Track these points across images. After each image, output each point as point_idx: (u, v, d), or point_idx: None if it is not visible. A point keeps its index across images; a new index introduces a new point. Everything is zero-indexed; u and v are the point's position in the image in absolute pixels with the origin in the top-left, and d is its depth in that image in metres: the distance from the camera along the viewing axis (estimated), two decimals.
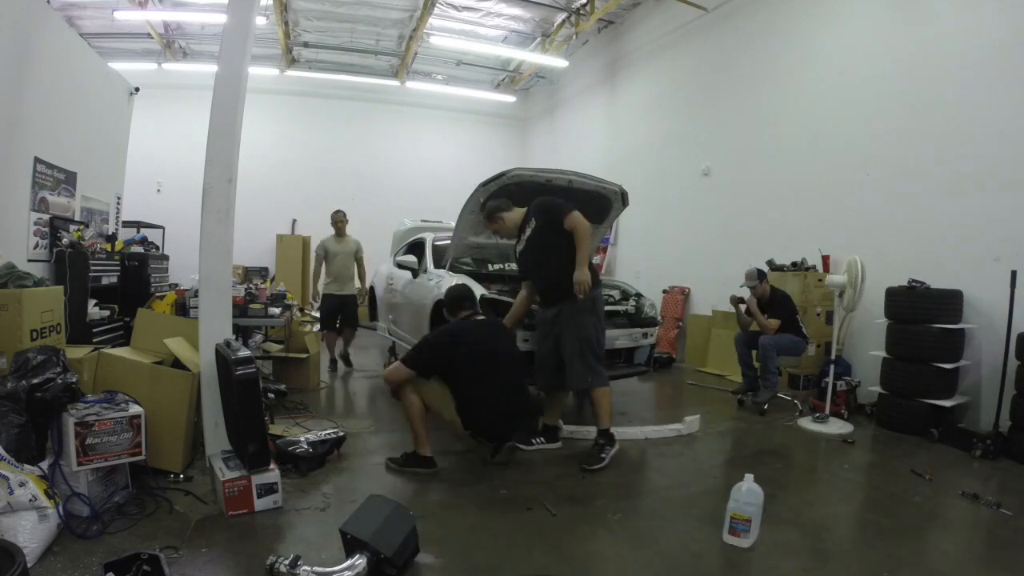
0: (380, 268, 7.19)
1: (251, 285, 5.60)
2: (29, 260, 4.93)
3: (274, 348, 5.81)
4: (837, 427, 4.61)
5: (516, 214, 3.97)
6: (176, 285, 6.20)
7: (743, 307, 5.42)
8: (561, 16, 9.25)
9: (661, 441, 4.27)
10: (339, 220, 6.47)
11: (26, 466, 2.39)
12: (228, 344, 2.95)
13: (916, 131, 5.11)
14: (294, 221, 11.80)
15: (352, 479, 3.35)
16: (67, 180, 5.78)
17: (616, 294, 5.05)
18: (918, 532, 2.92)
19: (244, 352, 2.82)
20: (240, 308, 4.51)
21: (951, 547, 2.78)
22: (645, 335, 4.69)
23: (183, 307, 4.46)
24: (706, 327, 7.27)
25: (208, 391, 3.17)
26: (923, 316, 4.49)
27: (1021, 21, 4.38)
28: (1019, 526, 2.92)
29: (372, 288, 7.39)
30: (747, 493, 2.58)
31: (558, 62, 10.08)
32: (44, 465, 2.52)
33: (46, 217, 5.33)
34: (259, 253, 11.04)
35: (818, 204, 6.03)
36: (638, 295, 5.01)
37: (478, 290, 4.29)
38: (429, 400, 3.41)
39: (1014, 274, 4.17)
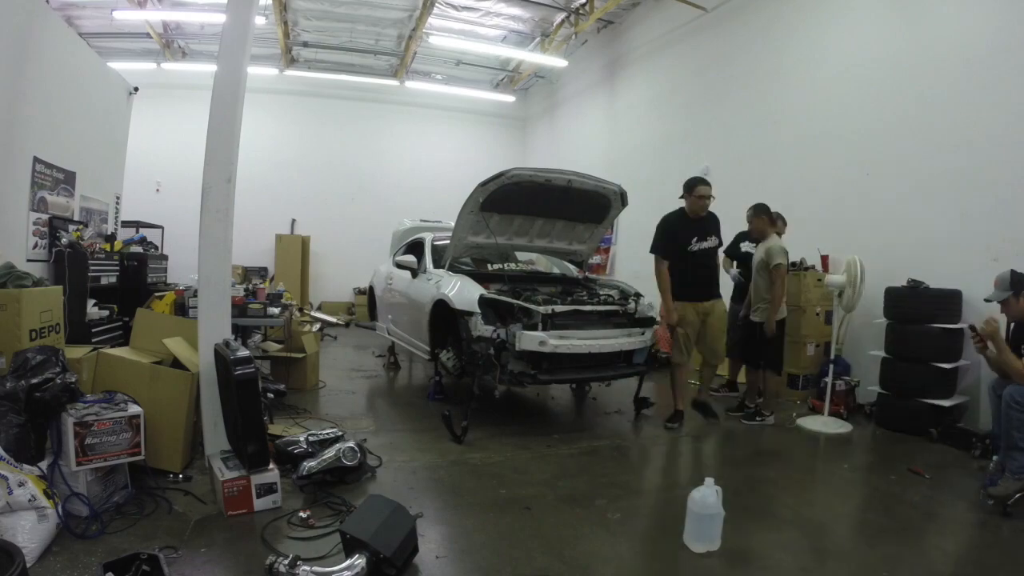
0: (380, 268, 7.18)
1: (250, 285, 5.60)
2: (28, 260, 4.92)
3: (273, 348, 5.81)
4: (836, 427, 4.62)
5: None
6: (175, 285, 6.19)
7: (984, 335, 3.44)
8: (560, 16, 9.25)
9: (661, 440, 4.27)
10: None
11: (25, 466, 2.38)
12: (227, 344, 2.95)
13: (915, 131, 5.12)
14: (293, 221, 11.80)
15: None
16: (66, 180, 5.78)
17: (615, 294, 5.05)
18: (918, 532, 2.92)
19: (243, 352, 2.82)
20: (239, 308, 4.51)
21: (950, 546, 2.78)
22: (643, 334, 4.69)
23: (182, 307, 4.46)
24: None
25: (207, 391, 3.16)
26: (922, 316, 4.49)
27: (1020, 21, 4.39)
28: (1016, 525, 2.93)
29: (371, 288, 7.39)
30: (703, 498, 2.55)
31: (557, 62, 10.08)
32: (43, 465, 2.52)
33: (45, 217, 5.32)
34: (258, 253, 11.05)
35: (817, 204, 6.03)
36: (637, 295, 5.00)
37: (477, 290, 4.29)
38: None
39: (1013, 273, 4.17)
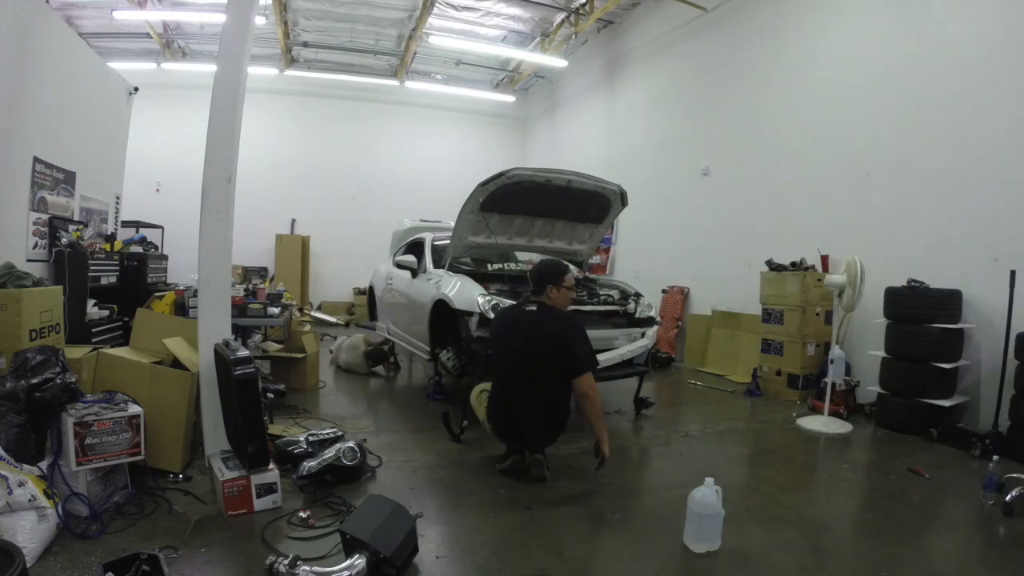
0: (379, 268, 7.19)
1: (250, 285, 5.60)
2: (28, 260, 4.92)
3: (273, 348, 5.81)
4: (836, 427, 4.61)
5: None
6: (175, 285, 6.20)
7: None
8: (560, 16, 9.25)
9: (660, 440, 4.27)
10: None
11: (25, 466, 2.38)
12: (227, 344, 2.95)
13: (915, 131, 5.12)
14: (293, 221, 11.80)
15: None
16: (66, 180, 5.78)
17: (615, 294, 5.05)
18: (918, 532, 2.92)
19: (243, 352, 2.81)
20: (239, 308, 4.51)
21: (950, 547, 2.78)
22: (643, 335, 4.69)
23: (182, 307, 4.46)
24: (705, 327, 7.27)
25: (207, 391, 3.17)
26: (922, 316, 4.49)
27: (1020, 21, 4.39)
28: (1015, 525, 2.93)
29: (371, 288, 7.39)
30: (703, 497, 2.55)
31: (557, 62, 10.08)
32: (43, 465, 2.52)
33: (45, 217, 5.32)
34: (258, 253, 11.05)
35: (817, 204, 6.04)
36: (637, 295, 5.01)
37: (477, 290, 4.30)
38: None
39: (1013, 274, 4.17)
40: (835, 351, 4.86)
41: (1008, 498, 3.05)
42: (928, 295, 4.52)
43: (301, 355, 5.34)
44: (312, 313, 10.27)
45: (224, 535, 2.54)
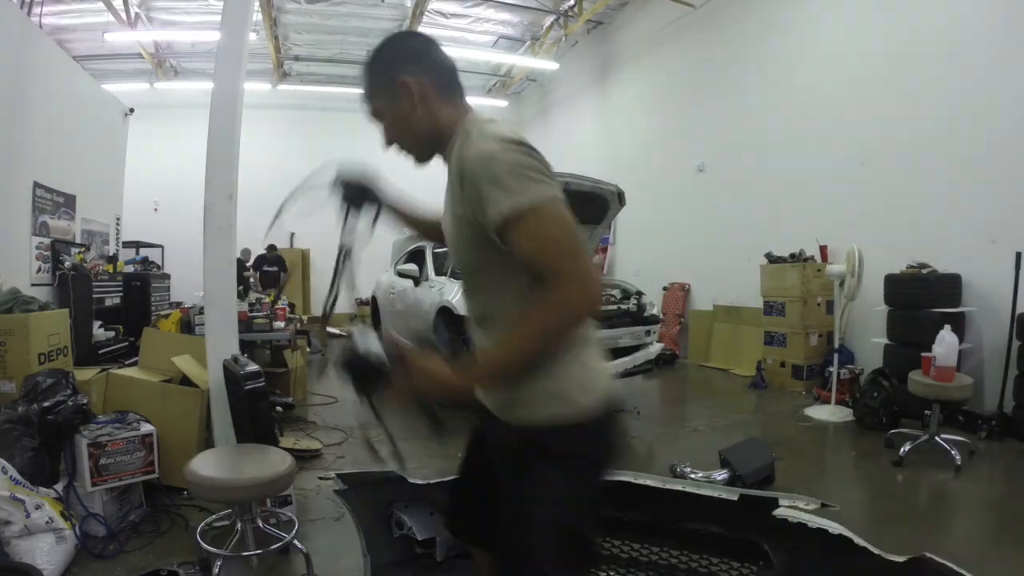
0: (381, 278, 7.21)
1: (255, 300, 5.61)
2: (32, 284, 4.95)
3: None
4: (842, 415, 4.63)
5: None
6: (179, 303, 6.21)
7: None
8: (550, 19, 9.30)
9: (665, 435, 4.29)
10: None
11: (41, 488, 2.41)
12: (235, 360, 2.97)
13: (909, 118, 5.14)
14: (292, 235, 11.83)
15: None
16: (66, 203, 5.81)
17: (617, 293, 5.08)
18: (924, 517, 2.93)
19: (252, 367, 2.84)
20: (245, 323, 4.52)
21: (957, 530, 2.80)
22: (648, 333, 4.71)
23: (188, 325, 4.48)
24: (708, 322, 7.29)
25: (218, 407, 3.17)
26: (923, 301, 4.51)
27: (1010, 6, 4.42)
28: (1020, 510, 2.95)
29: (374, 298, 7.42)
30: None
31: (549, 64, 10.13)
32: (59, 487, 2.54)
33: (47, 241, 5.35)
34: None
35: (813, 195, 6.06)
36: (639, 293, 5.04)
37: None
38: None
39: (1019, 256, 4.17)
40: (839, 340, 4.88)
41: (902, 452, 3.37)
42: (927, 280, 4.54)
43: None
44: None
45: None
